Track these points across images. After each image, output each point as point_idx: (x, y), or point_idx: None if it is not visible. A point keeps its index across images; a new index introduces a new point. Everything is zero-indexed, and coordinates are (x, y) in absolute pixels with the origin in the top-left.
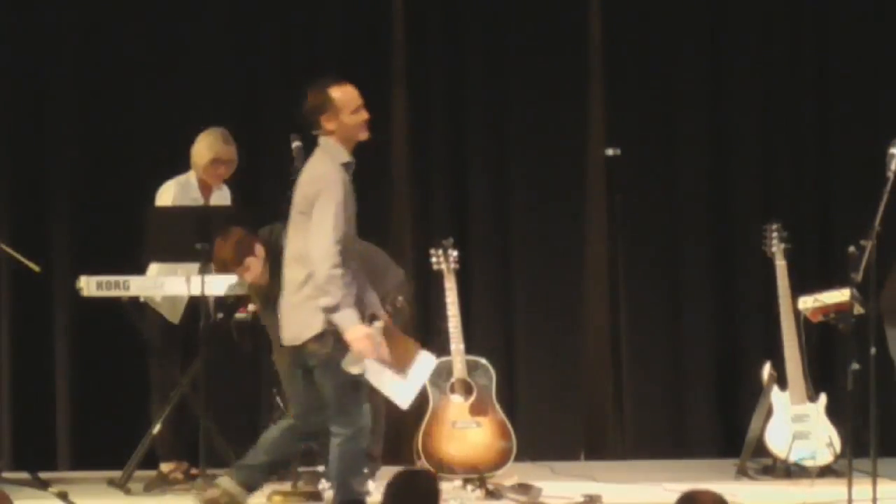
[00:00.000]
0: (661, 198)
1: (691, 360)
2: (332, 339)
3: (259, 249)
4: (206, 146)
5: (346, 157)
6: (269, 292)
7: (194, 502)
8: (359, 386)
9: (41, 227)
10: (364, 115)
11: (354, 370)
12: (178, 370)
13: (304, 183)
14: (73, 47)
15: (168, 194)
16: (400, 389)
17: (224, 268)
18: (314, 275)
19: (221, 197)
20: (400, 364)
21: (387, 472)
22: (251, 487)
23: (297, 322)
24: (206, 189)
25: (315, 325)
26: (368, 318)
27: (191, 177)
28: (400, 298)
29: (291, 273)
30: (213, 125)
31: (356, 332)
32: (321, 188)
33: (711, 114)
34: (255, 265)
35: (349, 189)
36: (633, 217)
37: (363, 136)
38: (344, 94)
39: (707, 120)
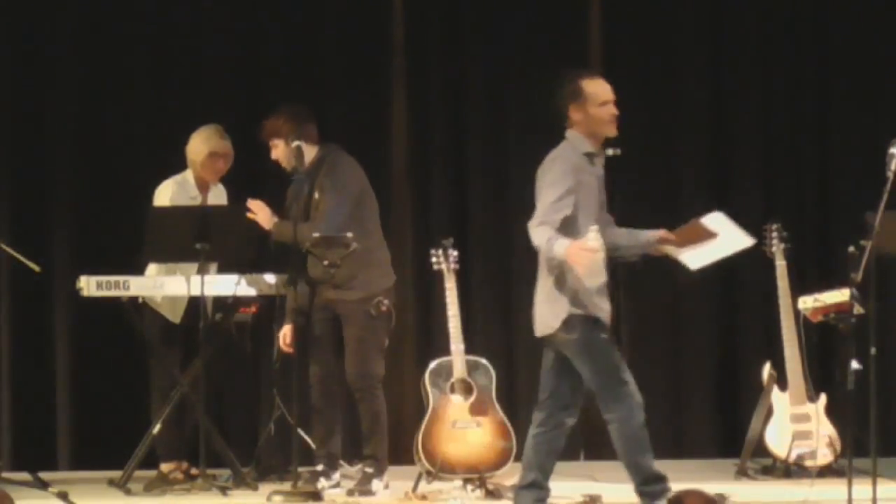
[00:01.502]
0: (661, 198)
1: (691, 360)
2: (579, 323)
3: (294, 143)
4: (202, 141)
5: (587, 147)
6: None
7: None
8: (617, 365)
9: (41, 227)
10: (612, 109)
11: (595, 282)
12: (178, 370)
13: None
14: (74, 47)
15: (165, 194)
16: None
17: (265, 133)
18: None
19: (218, 194)
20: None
21: (389, 471)
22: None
23: (545, 313)
24: (203, 187)
25: (560, 313)
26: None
27: (188, 175)
28: (386, 302)
29: (540, 268)
30: (213, 125)
31: (569, 249)
32: (543, 172)
33: (711, 114)
34: (282, 151)
35: (585, 177)
36: (633, 217)
37: (609, 131)
38: (593, 87)
39: (707, 120)
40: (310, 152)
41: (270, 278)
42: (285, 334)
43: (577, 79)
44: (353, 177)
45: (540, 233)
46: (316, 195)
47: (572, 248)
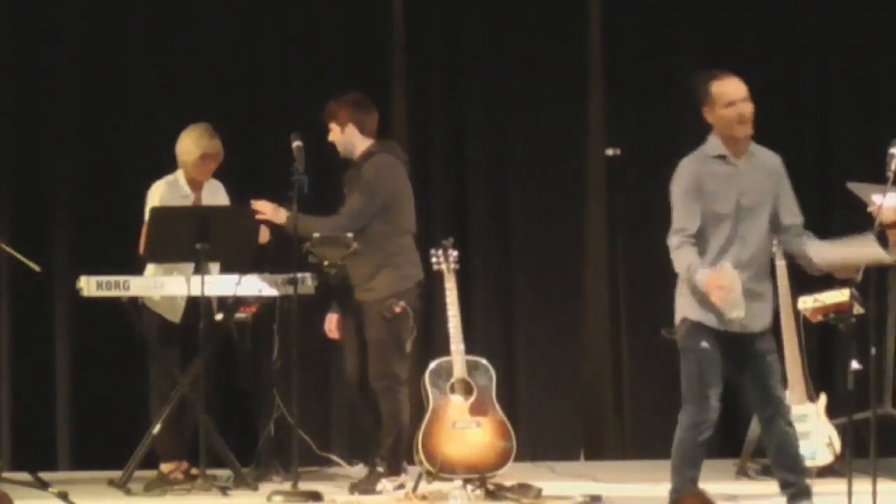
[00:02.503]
0: (661, 198)
1: None
2: (684, 327)
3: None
4: (193, 142)
5: (718, 149)
6: None
7: None
8: (701, 377)
9: (41, 227)
10: (740, 109)
11: (734, 315)
12: (178, 370)
13: None
14: (74, 48)
15: (157, 195)
16: None
17: (325, 115)
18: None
19: (212, 190)
20: None
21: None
22: None
23: (675, 308)
24: (195, 186)
25: (679, 313)
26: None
27: (179, 175)
28: (401, 303)
29: None
30: (213, 125)
31: (706, 284)
32: (671, 183)
33: None
34: (337, 136)
35: (711, 185)
36: (633, 217)
37: (738, 131)
38: (720, 88)
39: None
40: (363, 144)
41: (303, 278)
42: (330, 321)
43: (707, 81)
44: (388, 177)
45: (680, 257)
46: (345, 190)
47: (710, 283)
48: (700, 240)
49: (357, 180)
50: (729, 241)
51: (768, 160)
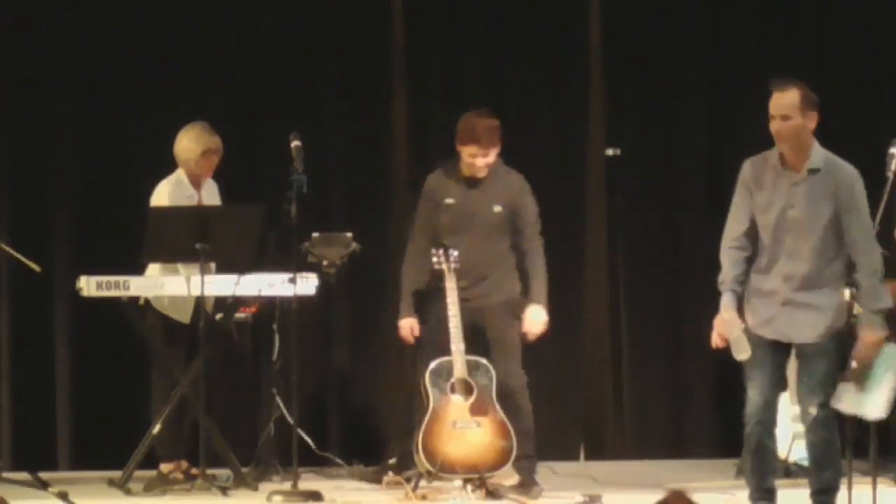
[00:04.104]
0: (661, 198)
1: (691, 360)
2: None
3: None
4: (193, 140)
5: (774, 159)
6: None
7: None
8: (747, 369)
9: (41, 227)
10: (774, 125)
11: (739, 358)
12: (178, 370)
13: None
14: (74, 47)
15: (164, 195)
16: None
17: (471, 136)
18: None
19: (210, 189)
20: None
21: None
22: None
23: None
24: (196, 184)
25: None
26: None
27: (181, 174)
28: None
29: None
30: (213, 124)
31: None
32: None
33: (711, 113)
34: (492, 158)
35: (758, 195)
36: (633, 217)
37: (778, 145)
38: (771, 100)
39: (707, 119)
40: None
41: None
42: (413, 326)
43: (768, 92)
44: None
45: (722, 264)
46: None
47: (717, 319)
48: (754, 245)
49: (509, 193)
50: (774, 253)
51: (839, 177)
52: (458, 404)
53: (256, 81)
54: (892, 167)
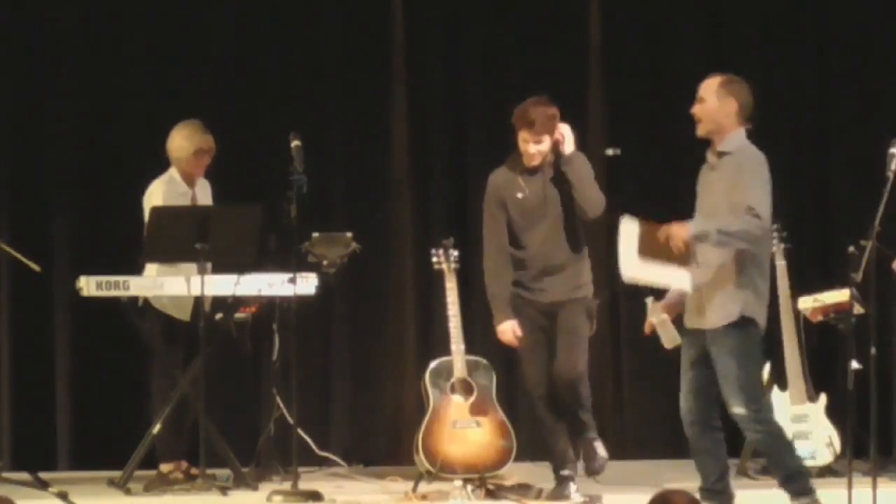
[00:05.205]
0: (661, 198)
1: None
2: None
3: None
4: (186, 138)
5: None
6: None
7: None
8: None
9: (41, 227)
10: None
11: (667, 347)
12: (178, 370)
13: None
14: (74, 48)
15: (158, 194)
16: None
17: (523, 120)
18: None
19: (203, 188)
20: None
21: (389, 471)
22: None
23: None
24: (190, 182)
25: None
26: None
27: (173, 173)
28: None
29: None
30: (213, 125)
31: None
32: None
33: None
34: (545, 148)
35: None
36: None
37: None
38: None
39: None
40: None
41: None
42: (514, 328)
43: None
44: None
45: None
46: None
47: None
48: None
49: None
50: None
51: (742, 158)
52: (458, 404)
53: (256, 81)
54: (892, 167)
